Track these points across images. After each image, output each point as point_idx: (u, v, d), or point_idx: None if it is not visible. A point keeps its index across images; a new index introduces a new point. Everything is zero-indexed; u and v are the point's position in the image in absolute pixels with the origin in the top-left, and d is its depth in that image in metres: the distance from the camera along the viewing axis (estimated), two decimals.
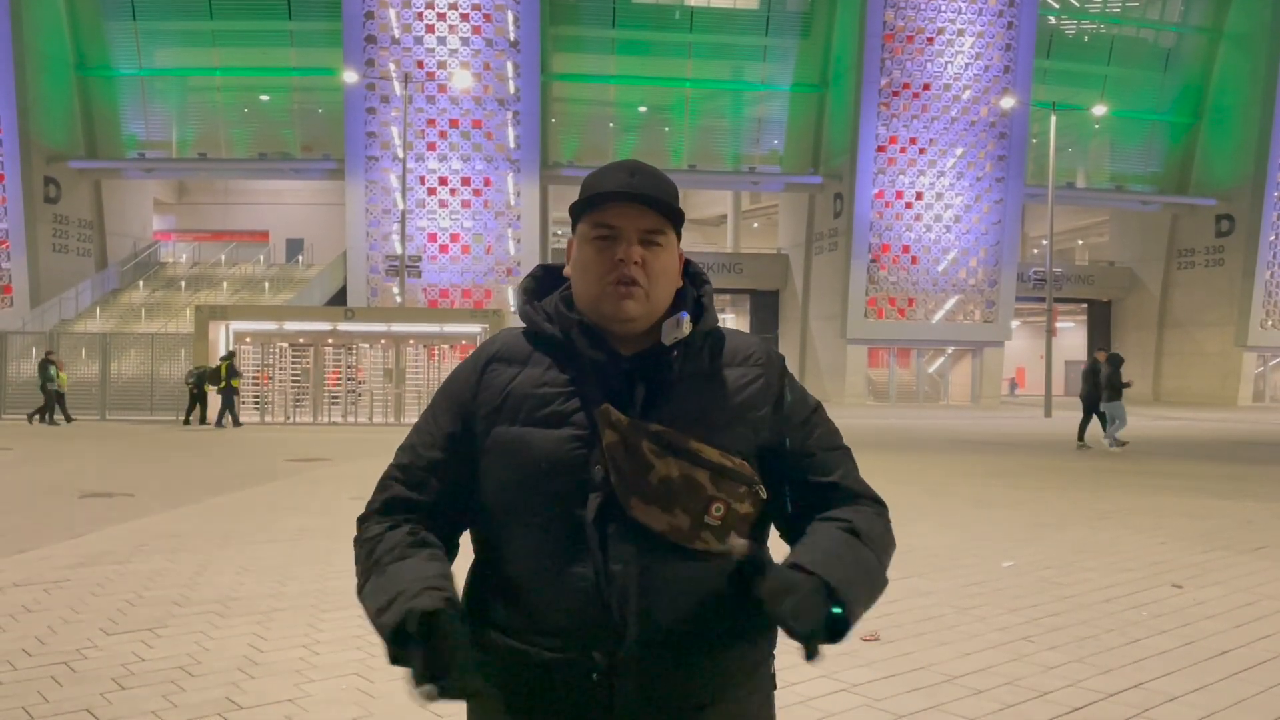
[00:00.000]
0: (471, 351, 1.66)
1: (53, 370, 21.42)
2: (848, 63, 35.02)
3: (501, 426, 1.50)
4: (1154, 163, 40.25)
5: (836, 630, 1.34)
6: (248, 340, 23.26)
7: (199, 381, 21.62)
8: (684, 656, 1.44)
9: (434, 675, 1.29)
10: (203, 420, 21.73)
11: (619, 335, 1.52)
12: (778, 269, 40.48)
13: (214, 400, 22.55)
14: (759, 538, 1.51)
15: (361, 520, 1.57)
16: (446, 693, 1.29)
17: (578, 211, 1.53)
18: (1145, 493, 10.97)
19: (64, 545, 7.30)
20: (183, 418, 21.85)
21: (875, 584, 1.46)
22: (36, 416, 21.55)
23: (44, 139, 32.68)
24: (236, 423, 21.12)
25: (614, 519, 1.42)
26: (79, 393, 24.10)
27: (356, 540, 1.55)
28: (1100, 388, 16.95)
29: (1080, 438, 17.32)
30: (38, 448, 15.92)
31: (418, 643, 1.30)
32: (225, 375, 20.99)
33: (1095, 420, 17.38)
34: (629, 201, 1.49)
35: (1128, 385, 17.04)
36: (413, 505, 1.54)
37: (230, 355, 21.50)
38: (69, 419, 21.76)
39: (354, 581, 1.55)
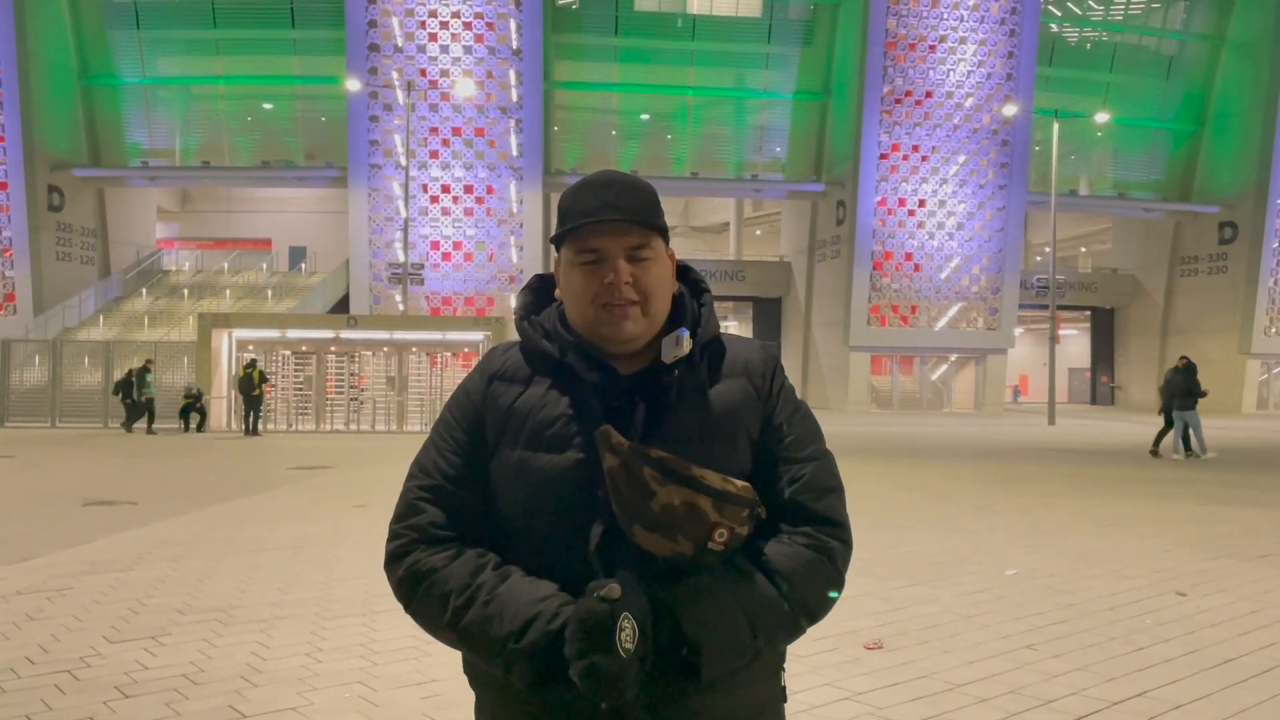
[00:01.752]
0: (475, 364, 1.64)
1: (149, 378, 21.50)
2: (850, 70, 35.08)
3: (506, 449, 1.49)
4: (1157, 170, 40.26)
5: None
6: (250, 348, 23.29)
7: (199, 395, 21.66)
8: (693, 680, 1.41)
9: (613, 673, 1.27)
10: (199, 428, 21.64)
11: (618, 354, 1.50)
12: (780, 276, 40.50)
13: (217, 408, 22.56)
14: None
15: (402, 552, 1.49)
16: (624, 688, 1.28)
17: (559, 238, 1.51)
18: (1149, 500, 10.94)
19: (67, 553, 7.30)
20: (181, 426, 21.79)
21: (761, 626, 1.41)
22: (143, 428, 21.46)
23: (48, 147, 32.79)
24: (255, 430, 21.19)
25: (618, 544, 1.40)
26: (81, 400, 24.15)
27: (410, 574, 1.46)
28: (1179, 395, 16.65)
29: (1186, 447, 16.89)
30: (40, 456, 15.93)
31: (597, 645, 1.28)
32: (259, 382, 21.05)
33: (1168, 428, 17.17)
34: (608, 222, 1.46)
35: (1204, 394, 16.73)
36: (451, 526, 1.48)
37: (253, 364, 21.61)
38: (132, 428, 21.77)
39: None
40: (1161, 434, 17.25)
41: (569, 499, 1.43)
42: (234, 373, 22.82)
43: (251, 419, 21.10)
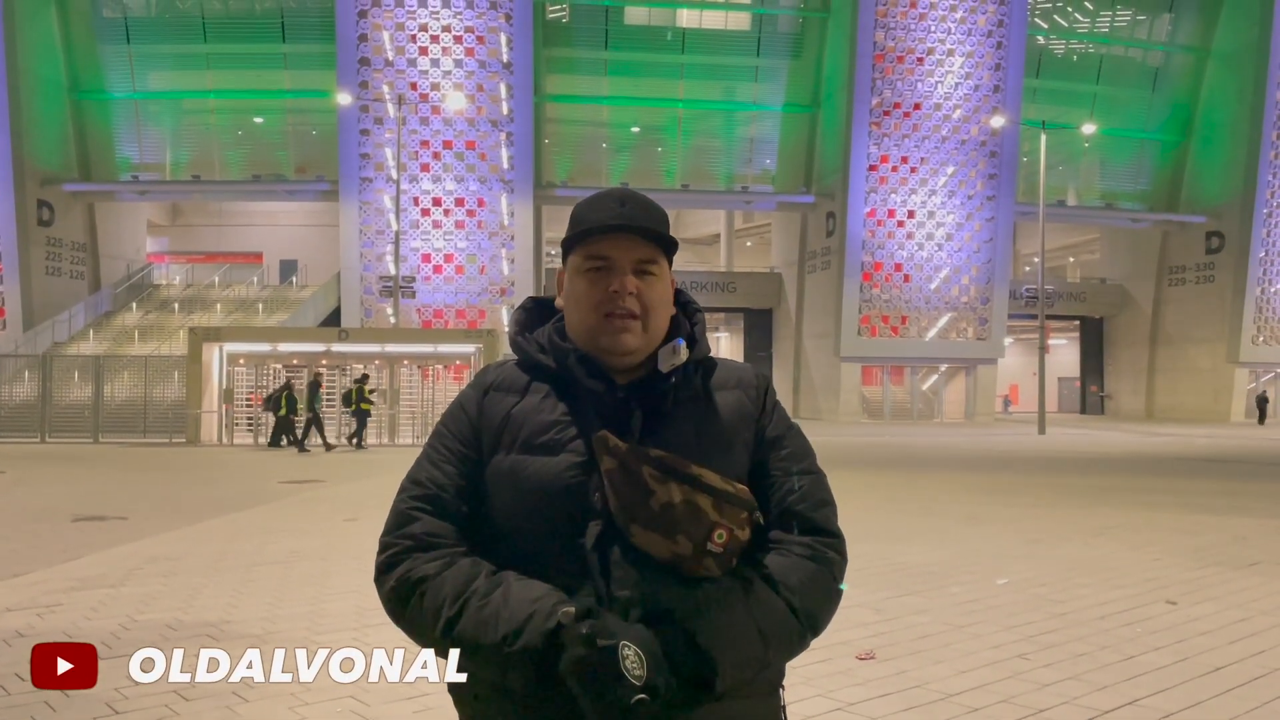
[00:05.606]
0: (470, 380, 1.65)
1: (320, 393, 21.38)
2: (839, 83, 35.26)
3: (501, 454, 1.50)
4: (1144, 180, 40.52)
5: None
6: (241, 362, 23.20)
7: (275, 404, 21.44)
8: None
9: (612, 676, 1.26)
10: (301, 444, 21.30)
11: (615, 364, 1.52)
12: (771, 288, 40.59)
13: (208, 422, 22.45)
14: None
15: (394, 561, 1.46)
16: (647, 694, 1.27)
17: (570, 244, 1.53)
18: (1139, 509, 10.98)
19: (57, 569, 7.26)
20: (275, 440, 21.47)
21: (771, 636, 1.41)
22: (296, 443, 20.86)
23: (38, 162, 32.72)
24: (361, 444, 21.16)
25: (615, 546, 1.41)
26: (70, 415, 24.02)
27: (402, 583, 1.44)
28: None
29: None
30: (30, 471, 15.85)
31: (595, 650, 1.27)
32: (356, 399, 21.05)
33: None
34: (621, 232, 1.49)
35: None
36: (444, 535, 1.47)
37: (364, 379, 21.68)
38: (294, 444, 21.01)
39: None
40: None
41: (563, 502, 1.44)
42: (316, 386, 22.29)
43: (358, 433, 21.26)
